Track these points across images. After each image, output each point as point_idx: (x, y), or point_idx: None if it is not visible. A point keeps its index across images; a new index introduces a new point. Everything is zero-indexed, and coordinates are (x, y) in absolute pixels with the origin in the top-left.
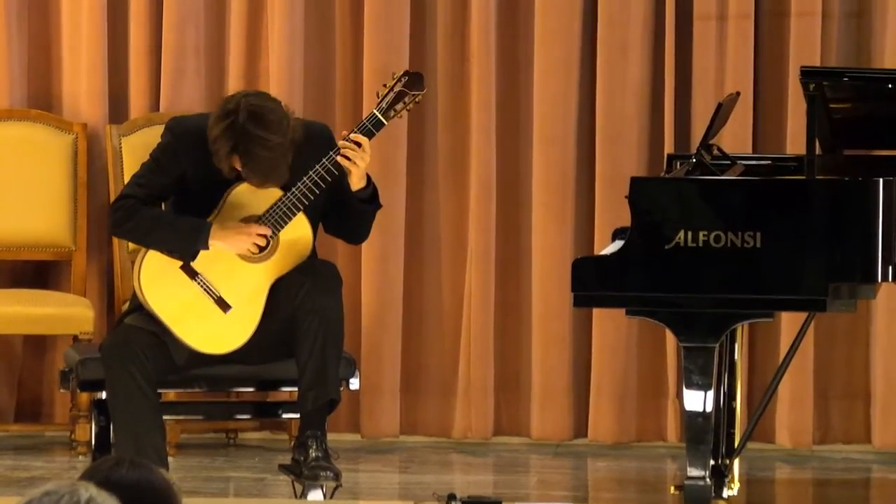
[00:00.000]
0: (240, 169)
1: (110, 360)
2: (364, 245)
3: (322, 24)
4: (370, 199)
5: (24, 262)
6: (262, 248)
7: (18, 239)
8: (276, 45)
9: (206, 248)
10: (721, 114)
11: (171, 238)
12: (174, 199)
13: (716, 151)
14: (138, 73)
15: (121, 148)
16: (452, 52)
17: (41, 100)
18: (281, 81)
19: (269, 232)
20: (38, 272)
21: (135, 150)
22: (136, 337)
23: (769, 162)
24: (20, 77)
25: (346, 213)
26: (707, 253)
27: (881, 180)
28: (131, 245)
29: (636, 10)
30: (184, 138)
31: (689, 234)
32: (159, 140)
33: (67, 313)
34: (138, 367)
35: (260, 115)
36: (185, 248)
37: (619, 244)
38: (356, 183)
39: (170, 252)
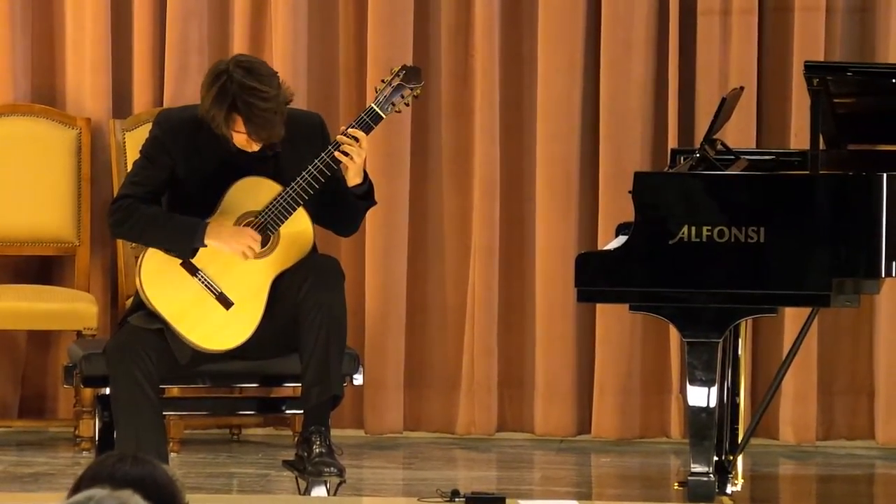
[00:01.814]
0: (240, 130)
1: (114, 361)
2: (367, 240)
3: (325, 20)
4: (365, 195)
5: (27, 257)
6: (262, 244)
7: (22, 234)
8: (279, 41)
9: (203, 245)
10: (725, 109)
11: (168, 236)
12: (169, 198)
13: (720, 146)
14: (142, 68)
15: (124, 143)
16: (456, 47)
17: (45, 95)
18: (284, 77)
19: (258, 244)
20: (42, 267)
21: (138, 145)
22: (140, 338)
23: (773, 157)
24: (24, 72)
25: (339, 206)
26: (711, 248)
27: (885, 175)
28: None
29: (640, 6)
30: (172, 131)
31: (693, 229)
32: (147, 136)
33: (71, 309)
34: (141, 369)
35: (252, 68)
36: (183, 245)
37: (622, 239)
38: (352, 178)
39: (168, 250)
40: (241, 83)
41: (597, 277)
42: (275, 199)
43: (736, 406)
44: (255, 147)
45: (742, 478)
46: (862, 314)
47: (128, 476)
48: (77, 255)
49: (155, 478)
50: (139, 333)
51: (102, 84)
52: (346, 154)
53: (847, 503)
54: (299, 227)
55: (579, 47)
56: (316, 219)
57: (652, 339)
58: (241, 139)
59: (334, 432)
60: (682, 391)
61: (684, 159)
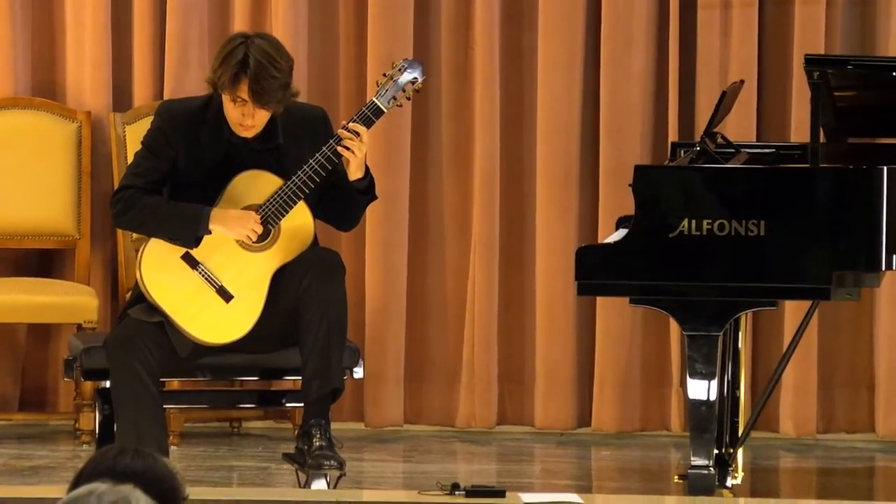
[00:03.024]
0: (242, 95)
1: (114, 354)
2: (368, 234)
3: (326, 14)
4: (366, 189)
5: (27, 250)
6: (263, 237)
7: (22, 227)
8: (279, 35)
9: (208, 232)
10: (725, 102)
11: (172, 225)
12: (170, 190)
13: (720, 140)
14: (142, 62)
15: (124, 136)
16: (456, 41)
17: (45, 88)
18: None
19: (260, 227)
20: (42, 260)
21: (138, 139)
22: (140, 331)
23: (773, 150)
24: (24, 65)
25: (340, 200)
26: (711, 241)
27: (885, 168)
28: (135, 234)
29: (640, 0)
30: (174, 121)
31: (693, 222)
32: (149, 126)
33: (71, 302)
34: (141, 362)
35: (273, 42)
36: (187, 233)
37: (622, 232)
38: (354, 172)
39: (172, 239)
40: (259, 47)
41: (597, 271)
42: (276, 193)
43: (736, 399)
44: (248, 126)
45: (742, 471)
46: (862, 307)
47: (128, 469)
48: (77, 248)
49: (155, 471)
50: (139, 326)
51: (102, 77)
52: (347, 148)
53: (847, 496)
54: (300, 220)
55: (579, 41)
56: (316, 213)
57: (652, 333)
58: (237, 114)
59: (334, 425)
60: (683, 384)
61: (684, 153)
